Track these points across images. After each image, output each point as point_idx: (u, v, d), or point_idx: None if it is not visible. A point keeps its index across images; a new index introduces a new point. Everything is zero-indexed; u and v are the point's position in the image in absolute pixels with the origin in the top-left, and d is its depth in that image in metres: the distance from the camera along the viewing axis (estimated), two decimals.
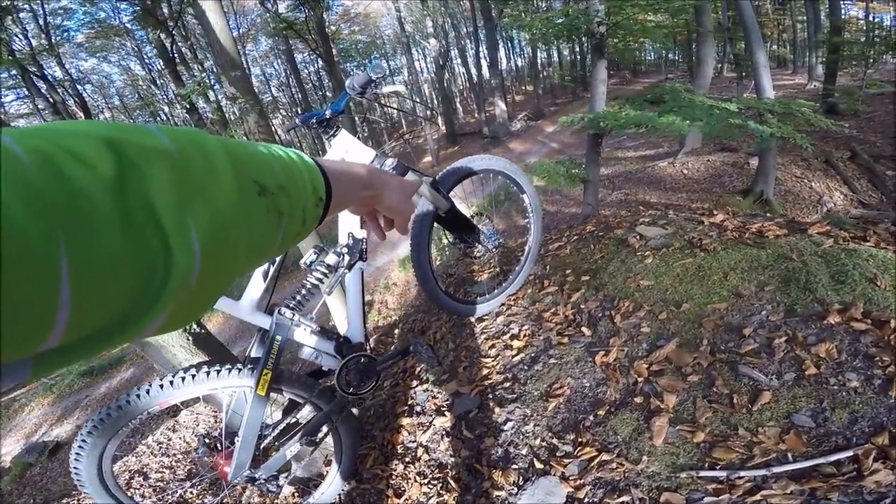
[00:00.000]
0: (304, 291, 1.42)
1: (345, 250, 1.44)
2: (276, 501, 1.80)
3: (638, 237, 2.03)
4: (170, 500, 2.16)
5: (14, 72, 11.55)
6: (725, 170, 7.93)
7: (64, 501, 2.94)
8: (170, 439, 4.00)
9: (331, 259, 1.42)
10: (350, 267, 1.46)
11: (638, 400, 1.31)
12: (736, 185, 7.48)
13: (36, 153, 0.18)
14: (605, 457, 1.20)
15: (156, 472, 3.08)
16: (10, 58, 9.56)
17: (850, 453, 0.98)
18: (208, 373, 1.28)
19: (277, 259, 1.36)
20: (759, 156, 6.77)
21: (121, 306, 0.21)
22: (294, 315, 1.38)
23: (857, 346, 1.20)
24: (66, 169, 0.19)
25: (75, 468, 1.23)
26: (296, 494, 1.81)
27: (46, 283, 0.17)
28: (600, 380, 1.44)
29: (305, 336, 1.43)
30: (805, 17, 15.45)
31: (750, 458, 1.05)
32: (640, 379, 1.37)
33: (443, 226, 1.83)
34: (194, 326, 1.61)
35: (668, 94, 3.57)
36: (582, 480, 1.18)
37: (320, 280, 1.42)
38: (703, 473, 1.06)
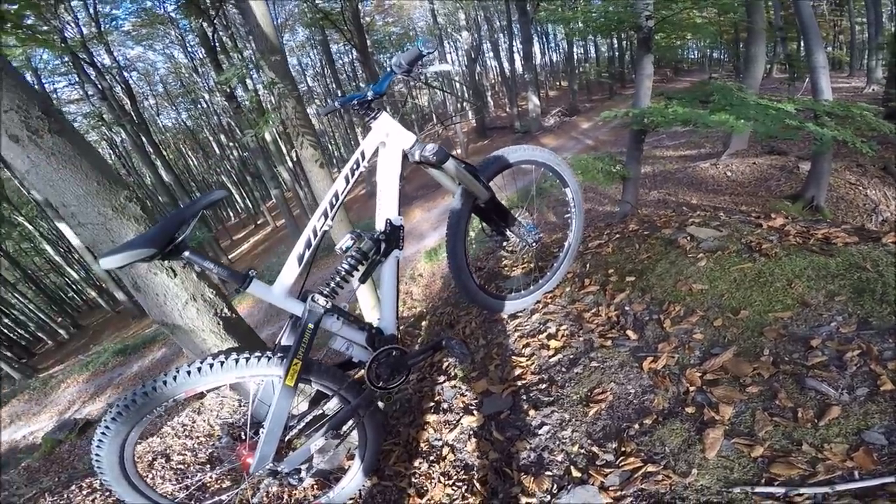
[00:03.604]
0: (338, 279, 1.37)
1: (381, 237, 1.39)
2: (294, 493, 1.76)
3: (689, 238, 1.90)
4: (189, 484, 2.17)
5: (66, 58, 12.15)
6: (773, 173, 7.53)
7: (87, 480, 2.89)
8: (194, 422, 4.07)
9: (366, 246, 1.37)
10: (386, 255, 1.42)
11: (689, 410, 1.21)
12: (783, 189, 7.09)
13: None
14: (650, 468, 1.12)
15: (178, 455, 3.11)
16: (63, 44, 10.02)
17: None
18: (237, 360, 1.22)
19: (314, 243, 1.31)
20: (812, 160, 6.38)
21: None
22: (328, 303, 1.32)
23: None
24: None
25: (96, 455, 1.18)
26: (315, 487, 1.77)
27: None
28: (647, 387, 1.34)
29: (338, 325, 1.37)
30: (864, 19, 14.75)
31: (812, 475, 0.96)
32: (692, 388, 1.26)
33: (480, 216, 1.76)
34: (225, 310, 1.58)
35: (718, 92, 3.36)
36: (623, 492, 1.10)
37: (354, 267, 1.38)
38: (759, 489, 0.97)
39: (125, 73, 15.53)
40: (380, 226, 1.42)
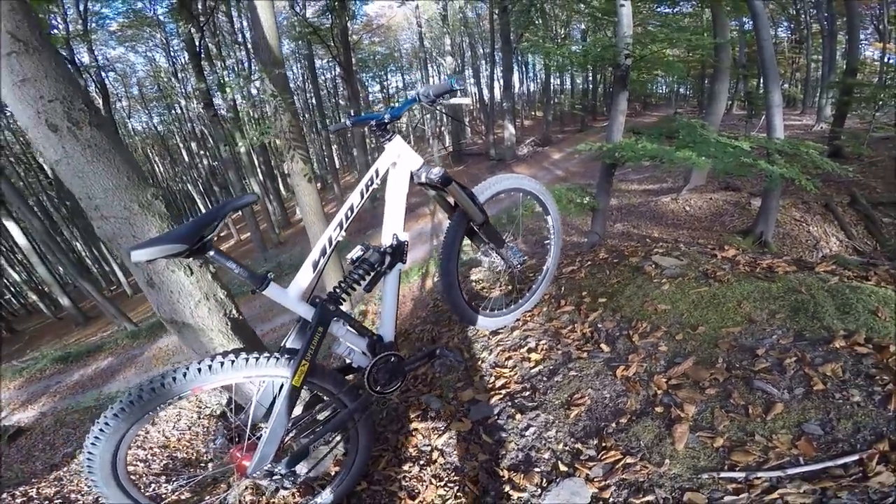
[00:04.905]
0: (346, 286, 1.46)
1: (388, 251, 1.51)
2: (272, 501, 1.71)
3: (654, 266, 2.13)
4: (147, 495, 2.06)
5: None
6: (727, 209, 8.06)
7: (21, 489, 2.72)
8: (147, 432, 3.89)
9: (374, 258, 1.47)
10: (391, 267, 1.53)
11: (658, 410, 1.39)
12: (736, 224, 7.60)
13: None
14: (628, 460, 1.27)
15: (129, 466, 2.93)
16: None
17: (855, 457, 1.08)
18: (247, 359, 1.23)
19: (328, 251, 1.40)
20: (762, 196, 6.81)
21: None
22: (336, 308, 1.41)
23: (860, 367, 1.32)
24: None
25: (90, 453, 1.14)
26: (297, 494, 1.73)
27: None
28: (621, 391, 1.51)
29: (343, 331, 1.44)
30: (821, 57, 15.24)
31: (766, 461, 1.15)
32: (659, 391, 1.45)
33: (471, 238, 1.90)
34: (234, 312, 1.64)
35: (684, 129, 3.68)
36: (607, 482, 1.24)
37: (363, 277, 1.48)
38: (723, 475, 1.14)
39: (102, 73, 15.09)
40: (386, 240, 1.53)
